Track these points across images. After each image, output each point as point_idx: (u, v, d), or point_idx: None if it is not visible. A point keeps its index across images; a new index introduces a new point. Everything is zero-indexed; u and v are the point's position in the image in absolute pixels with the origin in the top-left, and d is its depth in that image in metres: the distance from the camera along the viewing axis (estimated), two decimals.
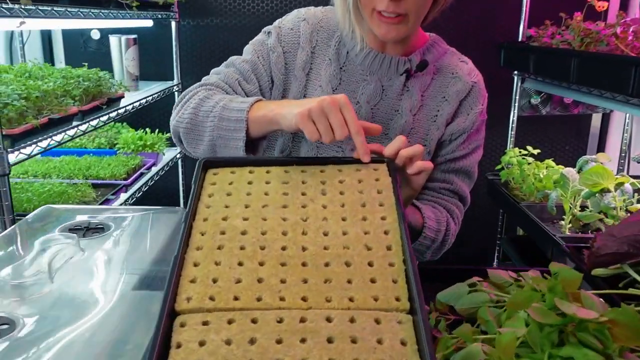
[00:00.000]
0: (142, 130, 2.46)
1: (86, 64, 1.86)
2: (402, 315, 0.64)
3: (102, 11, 1.74)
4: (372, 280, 0.68)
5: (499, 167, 2.21)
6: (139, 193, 2.04)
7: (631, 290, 0.88)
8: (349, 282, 0.67)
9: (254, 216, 0.76)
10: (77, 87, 1.58)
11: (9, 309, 0.69)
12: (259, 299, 0.64)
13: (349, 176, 0.84)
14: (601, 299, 0.75)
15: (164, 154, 2.51)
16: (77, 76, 1.66)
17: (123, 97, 1.92)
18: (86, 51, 2.67)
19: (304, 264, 0.69)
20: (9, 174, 1.18)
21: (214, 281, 0.66)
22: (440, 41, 1.20)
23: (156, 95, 2.30)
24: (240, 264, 0.68)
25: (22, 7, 1.23)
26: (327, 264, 0.70)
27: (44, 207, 1.08)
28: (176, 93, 2.67)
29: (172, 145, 2.71)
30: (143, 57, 2.46)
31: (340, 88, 1.15)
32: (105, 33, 2.61)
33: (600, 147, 3.06)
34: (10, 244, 0.89)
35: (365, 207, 0.79)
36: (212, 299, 0.64)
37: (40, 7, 1.34)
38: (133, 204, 1.95)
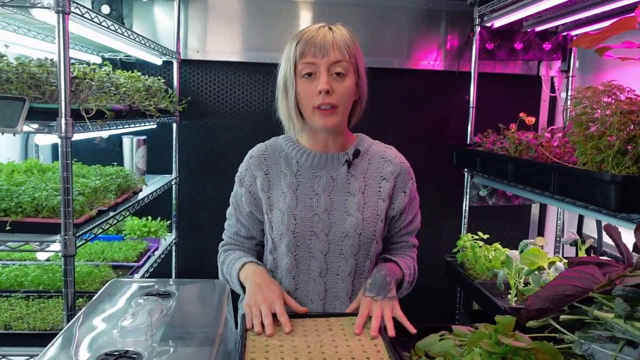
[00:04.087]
0: (145, 218, 2.77)
1: (115, 163, 2.21)
2: None
3: (129, 121, 2.10)
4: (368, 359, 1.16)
5: (455, 250, 2.47)
6: (147, 274, 2.32)
7: (551, 334, 1.24)
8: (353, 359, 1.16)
9: (287, 340, 1.22)
10: (113, 183, 1.91)
11: (133, 346, 1.00)
12: None
13: (346, 322, 1.33)
14: (529, 337, 1.11)
15: (164, 239, 2.80)
16: (110, 174, 1.99)
17: (141, 190, 2.25)
18: (95, 148, 2.99)
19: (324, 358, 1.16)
20: (75, 255, 1.49)
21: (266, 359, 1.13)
22: (366, 137, 1.59)
23: (161, 188, 2.63)
24: (282, 359, 1.14)
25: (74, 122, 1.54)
26: (339, 358, 1.16)
27: (113, 280, 1.39)
28: (174, 186, 3.01)
29: (170, 230, 3.02)
30: (147, 154, 2.80)
31: (300, 188, 1.47)
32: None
33: (540, 232, 3.50)
34: (107, 305, 1.20)
35: (360, 337, 1.26)
36: None
37: (89, 122, 1.67)
38: None
